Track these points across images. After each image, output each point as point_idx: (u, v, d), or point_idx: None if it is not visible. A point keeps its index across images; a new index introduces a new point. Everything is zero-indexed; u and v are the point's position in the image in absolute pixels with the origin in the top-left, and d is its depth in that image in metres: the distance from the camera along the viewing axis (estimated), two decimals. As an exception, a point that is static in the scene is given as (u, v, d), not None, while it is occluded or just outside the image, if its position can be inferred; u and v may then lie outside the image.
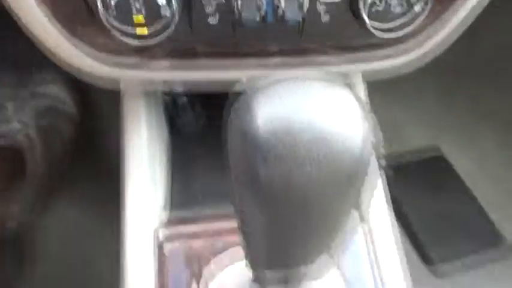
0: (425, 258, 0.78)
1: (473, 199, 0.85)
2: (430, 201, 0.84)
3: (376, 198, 0.40)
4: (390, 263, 0.37)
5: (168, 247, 0.36)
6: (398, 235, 0.39)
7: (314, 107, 0.17)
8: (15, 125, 0.72)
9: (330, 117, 0.17)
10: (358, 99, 0.18)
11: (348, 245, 0.36)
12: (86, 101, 0.86)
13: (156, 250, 0.36)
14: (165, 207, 0.41)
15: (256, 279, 0.27)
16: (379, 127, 0.19)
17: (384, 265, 0.36)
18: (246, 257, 0.26)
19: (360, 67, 0.37)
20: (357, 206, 0.21)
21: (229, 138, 0.19)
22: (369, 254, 0.36)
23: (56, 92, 0.83)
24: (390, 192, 0.85)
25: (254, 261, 0.25)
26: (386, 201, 0.40)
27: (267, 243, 0.22)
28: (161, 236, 0.37)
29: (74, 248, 0.75)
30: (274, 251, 0.23)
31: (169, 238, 0.36)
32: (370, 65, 0.37)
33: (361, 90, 0.42)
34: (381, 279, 0.35)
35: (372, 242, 0.37)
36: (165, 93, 0.51)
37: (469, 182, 0.87)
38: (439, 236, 0.80)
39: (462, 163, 0.90)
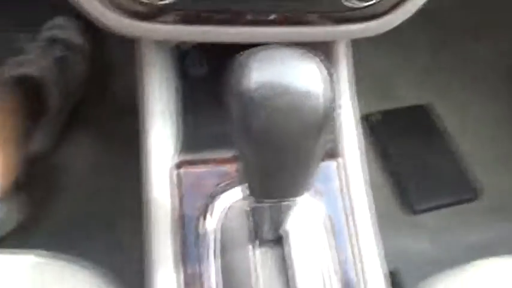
0: (406, 205, 0.85)
1: (455, 154, 0.91)
2: (414, 152, 0.90)
3: (350, 139, 0.47)
4: (358, 192, 0.45)
5: (179, 173, 0.44)
6: (366, 169, 0.46)
7: (290, 71, 0.23)
8: (37, 66, 0.77)
9: (300, 80, 0.23)
10: (321, 66, 0.24)
11: (324, 176, 0.44)
12: (98, 41, 0.90)
13: (174, 187, 0.43)
14: (177, 151, 0.47)
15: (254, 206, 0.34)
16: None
17: (354, 195, 0.45)
18: (245, 189, 0.32)
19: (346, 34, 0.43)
20: (325, 147, 0.27)
21: (227, 94, 0.25)
22: (340, 184, 0.45)
23: (70, 35, 0.86)
24: (378, 140, 0.91)
25: (251, 193, 0.32)
26: (359, 142, 0.47)
27: (259, 178, 0.29)
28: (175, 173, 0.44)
29: (96, 179, 0.82)
30: (266, 185, 0.30)
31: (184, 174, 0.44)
32: (355, 27, 0.42)
33: (343, 51, 0.48)
34: (351, 204, 0.44)
35: (345, 174, 0.46)
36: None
37: (453, 137, 0.93)
38: (420, 185, 0.87)
39: (448, 118, 0.95)
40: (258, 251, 0.41)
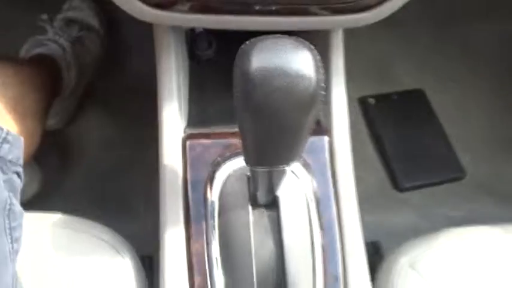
0: (394, 183, 0.92)
1: (445, 137, 0.97)
2: (406, 133, 0.96)
3: (340, 118, 0.53)
4: (344, 165, 0.51)
5: (187, 144, 0.50)
6: (350, 146, 0.52)
7: (285, 57, 0.28)
8: (54, 46, 0.82)
9: (293, 63, 0.28)
10: (313, 53, 0.29)
11: (315, 150, 0.50)
12: (112, 23, 0.96)
13: (183, 156, 0.49)
14: (186, 125, 0.53)
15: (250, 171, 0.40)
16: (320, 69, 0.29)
17: (339, 168, 0.51)
18: (244, 157, 0.38)
19: (342, 23, 0.48)
20: (314, 123, 0.32)
21: (234, 75, 0.29)
22: (329, 157, 0.51)
23: (85, 16, 0.92)
24: (372, 122, 0.96)
25: (249, 160, 0.38)
26: (348, 121, 0.53)
27: (256, 147, 0.35)
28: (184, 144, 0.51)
29: (109, 153, 0.89)
30: (261, 153, 0.36)
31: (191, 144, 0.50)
32: (351, 17, 0.47)
33: (338, 39, 0.53)
34: (336, 176, 0.50)
35: (333, 149, 0.51)
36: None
37: (444, 121, 0.98)
38: (408, 164, 0.93)
39: (441, 103, 1.00)
40: (254, 213, 0.47)
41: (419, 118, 0.99)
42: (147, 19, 0.47)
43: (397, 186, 0.91)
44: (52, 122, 0.86)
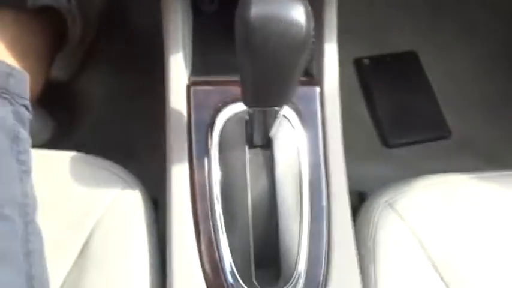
0: (383, 140, 0.97)
1: (434, 98, 1.02)
2: (397, 93, 1.01)
3: (331, 71, 0.57)
4: (332, 111, 0.56)
5: (191, 90, 0.55)
6: (339, 97, 0.57)
7: (280, 7, 0.32)
8: (62, 1, 0.85)
9: (287, 12, 0.32)
10: (305, 5, 0.33)
11: (307, 99, 0.55)
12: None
13: (188, 101, 0.54)
14: (191, 73, 0.58)
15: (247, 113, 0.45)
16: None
17: (328, 116, 0.56)
18: (242, 98, 0.43)
19: None
20: (303, 69, 0.37)
21: (235, 23, 0.34)
22: (320, 107, 0.56)
23: None
24: (366, 82, 1.00)
25: (246, 100, 0.43)
26: (337, 74, 0.57)
27: (253, 88, 0.39)
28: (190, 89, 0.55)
29: (114, 104, 0.94)
30: (258, 93, 0.40)
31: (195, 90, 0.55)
32: None
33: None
34: (326, 124, 0.55)
35: (323, 99, 0.56)
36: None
37: (434, 83, 1.03)
38: (398, 123, 0.98)
39: (433, 65, 1.04)
40: (250, 152, 0.53)
41: (410, 79, 1.03)
42: None
43: (385, 142, 0.97)
44: (57, 74, 0.90)
